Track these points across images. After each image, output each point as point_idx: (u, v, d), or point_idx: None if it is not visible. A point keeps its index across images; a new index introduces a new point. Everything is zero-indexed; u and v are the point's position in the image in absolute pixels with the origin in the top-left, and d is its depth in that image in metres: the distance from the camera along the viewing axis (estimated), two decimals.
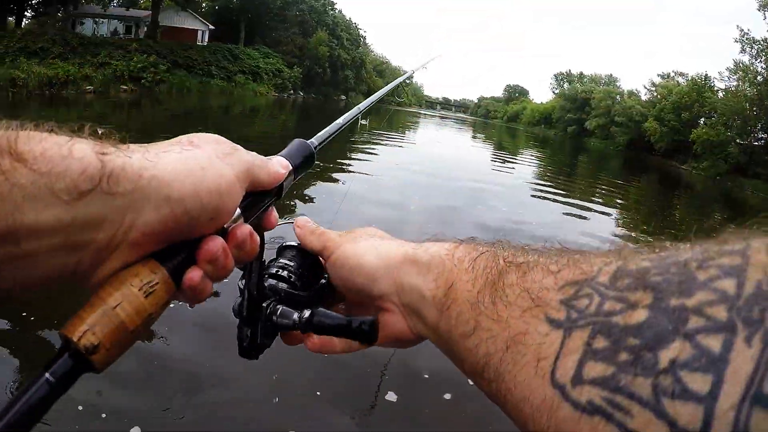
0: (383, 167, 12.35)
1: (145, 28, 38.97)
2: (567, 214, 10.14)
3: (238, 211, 0.52)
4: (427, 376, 3.70)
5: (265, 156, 0.60)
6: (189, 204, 0.44)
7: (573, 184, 16.84)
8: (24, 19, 32.52)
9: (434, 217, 7.71)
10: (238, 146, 0.54)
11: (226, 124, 20.34)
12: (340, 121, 0.94)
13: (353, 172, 10.82)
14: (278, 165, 0.59)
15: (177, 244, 0.46)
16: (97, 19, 38.67)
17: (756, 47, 33.80)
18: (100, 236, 0.40)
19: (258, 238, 0.53)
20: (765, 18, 32.20)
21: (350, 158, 12.64)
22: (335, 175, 9.97)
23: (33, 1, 30.82)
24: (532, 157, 26.20)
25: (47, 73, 23.52)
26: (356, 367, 3.73)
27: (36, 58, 25.57)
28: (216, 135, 0.53)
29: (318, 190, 8.45)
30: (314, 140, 0.77)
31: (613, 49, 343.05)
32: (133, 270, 0.43)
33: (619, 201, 14.75)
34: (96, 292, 0.42)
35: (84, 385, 2.97)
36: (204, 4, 49.25)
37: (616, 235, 8.73)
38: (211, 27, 45.32)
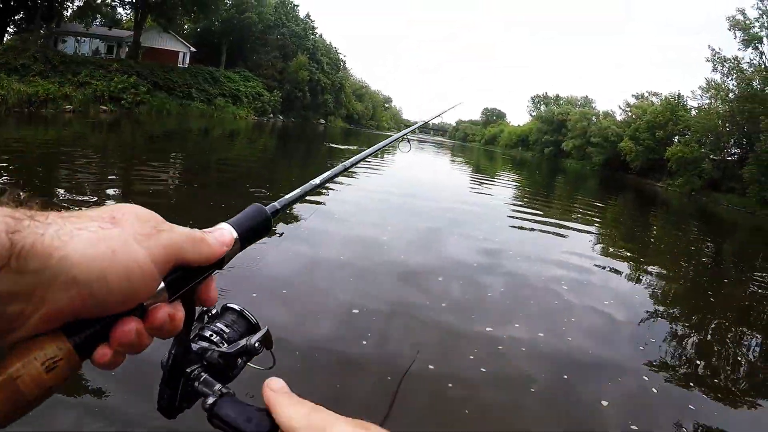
0: (361, 190, 11.99)
1: (127, 49, 38.91)
2: (545, 232, 10.10)
3: (162, 285, 0.49)
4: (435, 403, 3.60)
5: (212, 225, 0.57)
6: (95, 288, 0.43)
7: (551, 205, 16.91)
8: (6, 35, 32.24)
9: (413, 241, 7.56)
10: (167, 224, 0.50)
11: (206, 147, 20.15)
12: (317, 181, 0.88)
13: (330, 194, 10.52)
14: (218, 240, 0.55)
15: (91, 319, 0.45)
16: (79, 38, 38.53)
17: (727, 65, 35.02)
18: (10, 309, 0.40)
19: (181, 315, 0.51)
20: (735, 37, 33.51)
21: (333, 184, 12.57)
22: (312, 197, 9.74)
23: (15, 17, 30.62)
24: (510, 180, 26.42)
25: (27, 91, 23.26)
26: (368, 382, 3.63)
27: (16, 75, 25.25)
28: (142, 210, 0.49)
29: (295, 211, 8.20)
30: (277, 204, 0.71)
31: (583, 60, 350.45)
32: (40, 343, 0.43)
33: (596, 220, 14.81)
34: (2, 359, 0.42)
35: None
36: (186, 26, 49.43)
37: (594, 252, 8.76)
38: (193, 49, 45.43)
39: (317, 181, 0.89)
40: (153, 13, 37.36)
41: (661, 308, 6.38)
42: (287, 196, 0.78)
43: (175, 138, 22.52)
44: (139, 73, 34.30)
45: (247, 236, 0.61)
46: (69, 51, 36.41)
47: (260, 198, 8.72)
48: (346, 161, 1.09)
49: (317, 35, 67.07)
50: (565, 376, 4.08)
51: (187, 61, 44.73)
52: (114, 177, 9.88)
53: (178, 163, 13.75)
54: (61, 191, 7.87)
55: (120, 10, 41.26)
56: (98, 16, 38.32)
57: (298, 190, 0.82)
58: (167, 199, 7.87)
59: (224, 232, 0.57)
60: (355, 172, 15.21)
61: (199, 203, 7.77)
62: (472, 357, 4.17)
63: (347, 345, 4.23)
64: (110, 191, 8.02)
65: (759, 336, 6.08)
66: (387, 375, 3.70)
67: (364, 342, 4.29)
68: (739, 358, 5.16)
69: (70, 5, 32.00)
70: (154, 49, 40.95)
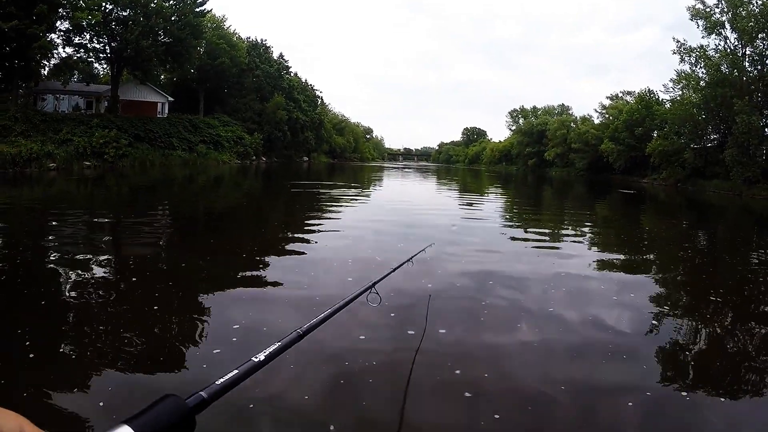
0: (354, 224, 11.55)
1: (106, 103, 39.19)
2: (539, 247, 9.84)
3: None
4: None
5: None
6: None
7: (541, 216, 16.73)
8: None
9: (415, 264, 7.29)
10: None
11: (192, 194, 19.76)
12: (261, 357, 0.75)
13: (323, 232, 10.23)
14: None
15: None
16: (58, 95, 38.78)
17: (694, 55, 35.88)
18: None
19: None
20: (698, 26, 34.47)
21: (320, 217, 12.36)
22: (303, 240, 9.21)
23: None
24: (498, 195, 26.38)
25: (10, 151, 23.25)
26: (372, 397, 3.50)
27: None
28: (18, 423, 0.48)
29: (289, 261, 7.59)
30: (204, 393, 0.61)
31: (555, 68, 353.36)
32: None
33: (587, 224, 14.64)
34: None
35: None
36: (162, 77, 49.93)
37: (591, 258, 8.60)
38: (171, 99, 45.76)
39: (261, 357, 0.73)
40: (128, 66, 37.73)
41: (666, 307, 6.20)
42: (220, 381, 0.62)
43: (161, 188, 22.41)
44: (120, 126, 34.45)
45: None
46: (49, 109, 36.62)
47: (245, 244, 8.58)
48: (302, 326, 0.90)
49: (291, 74, 67.97)
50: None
51: (166, 111, 45.01)
52: (103, 234, 9.74)
53: (166, 214, 13.61)
54: (52, 249, 7.78)
55: (96, 65, 41.76)
56: (75, 72, 38.71)
57: (234, 372, 0.66)
58: (156, 253, 7.78)
59: None
60: (344, 209, 14.65)
61: (190, 255, 7.66)
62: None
63: None
64: (102, 248, 7.92)
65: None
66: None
67: None
68: (749, 349, 5.00)
69: (47, 64, 32.34)
70: (133, 101, 41.26)
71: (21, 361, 3.62)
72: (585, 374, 3.90)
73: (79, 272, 6.19)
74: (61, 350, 3.92)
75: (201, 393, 0.59)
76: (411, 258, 3.47)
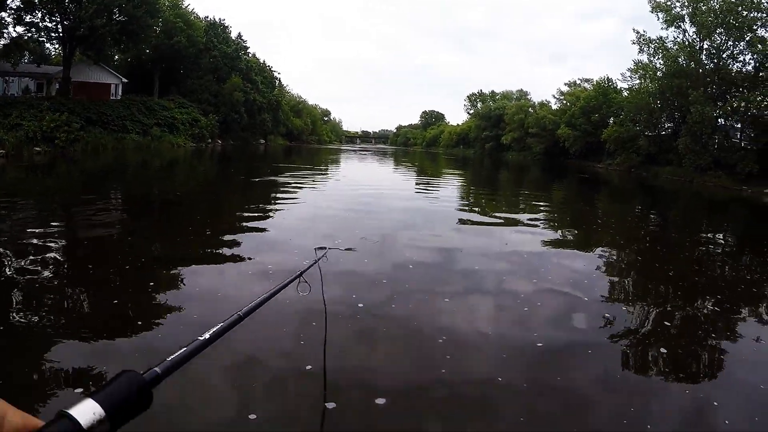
0: (308, 209, 11.49)
1: (57, 85, 37.19)
2: (495, 225, 10.01)
3: None
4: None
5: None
6: None
7: (497, 197, 16.97)
8: None
9: (373, 250, 7.31)
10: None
11: (145, 180, 18.98)
12: (206, 336, 0.80)
13: (280, 216, 10.10)
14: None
15: None
16: (7, 78, 36.49)
17: (653, 46, 36.94)
18: None
19: None
20: (659, 18, 35.45)
21: (275, 203, 12.10)
22: (258, 224, 9.32)
23: None
24: (455, 178, 26.57)
25: None
26: (292, 383, 3.60)
27: None
28: None
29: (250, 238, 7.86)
30: (158, 369, 0.66)
31: (514, 55, 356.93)
32: None
33: (543, 207, 15.01)
34: None
35: None
36: (116, 57, 47.77)
37: (546, 243, 8.77)
38: (125, 80, 43.85)
39: (207, 335, 0.80)
40: (81, 46, 35.81)
41: (617, 283, 6.41)
42: (171, 358, 0.69)
43: (114, 174, 21.52)
44: (71, 109, 32.79)
45: (119, 413, 0.54)
46: None
47: (202, 234, 8.38)
48: (242, 309, 1.01)
49: (249, 55, 66.22)
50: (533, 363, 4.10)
51: (120, 93, 43.13)
52: (55, 224, 9.27)
53: (119, 201, 13.09)
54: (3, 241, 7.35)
55: (48, 45, 39.46)
56: (26, 53, 36.46)
57: (184, 350, 0.73)
58: (110, 243, 7.50)
59: (86, 409, 0.52)
60: (299, 194, 14.41)
61: (144, 245, 7.44)
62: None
63: None
64: (52, 241, 7.54)
65: (711, 297, 6.24)
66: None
67: None
68: (697, 322, 5.26)
69: None
70: (86, 83, 39.24)
71: None
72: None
73: (29, 256, 6.15)
74: (18, 325, 4.14)
75: (155, 369, 0.64)
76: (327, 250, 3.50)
